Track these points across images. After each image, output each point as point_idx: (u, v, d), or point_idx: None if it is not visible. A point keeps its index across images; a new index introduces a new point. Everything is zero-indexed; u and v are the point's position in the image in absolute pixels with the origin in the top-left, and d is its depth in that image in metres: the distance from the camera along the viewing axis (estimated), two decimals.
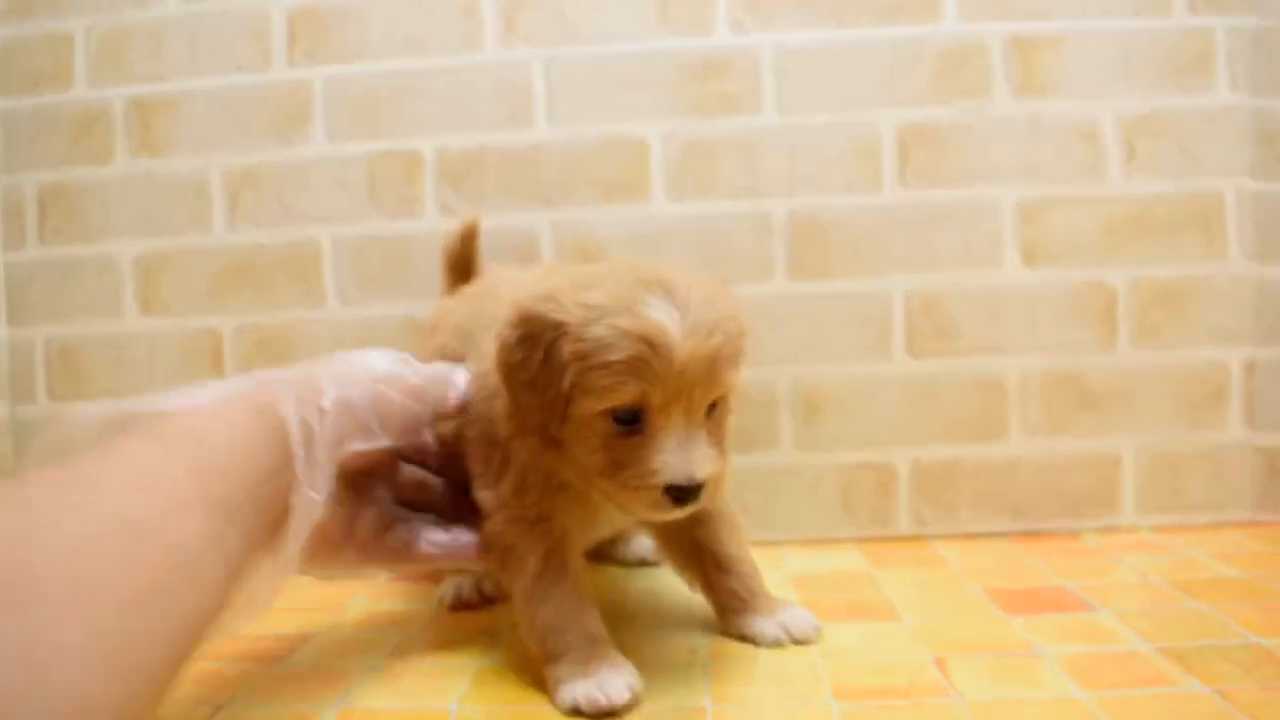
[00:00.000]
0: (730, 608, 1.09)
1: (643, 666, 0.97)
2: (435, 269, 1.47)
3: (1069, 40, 1.46)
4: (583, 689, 0.90)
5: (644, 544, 1.41)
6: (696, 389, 0.89)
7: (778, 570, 1.34)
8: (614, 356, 0.87)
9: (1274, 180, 1.46)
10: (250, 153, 1.54)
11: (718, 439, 0.95)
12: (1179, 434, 1.47)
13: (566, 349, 0.89)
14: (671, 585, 1.28)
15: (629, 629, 1.13)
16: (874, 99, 1.47)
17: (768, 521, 1.48)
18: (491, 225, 1.48)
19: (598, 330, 0.88)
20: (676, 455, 0.88)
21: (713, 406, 0.94)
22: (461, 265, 1.39)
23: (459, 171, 1.51)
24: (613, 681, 0.90)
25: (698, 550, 1.10)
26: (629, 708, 0.89)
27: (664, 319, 0.87)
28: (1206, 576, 1.23)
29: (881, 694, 0.91)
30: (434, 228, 1.51)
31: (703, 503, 0.92)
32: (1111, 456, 1.47)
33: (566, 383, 0.89)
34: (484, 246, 1.42)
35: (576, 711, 0.89)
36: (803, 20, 1.47)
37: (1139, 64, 1.47)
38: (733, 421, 1.01)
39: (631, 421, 0.90)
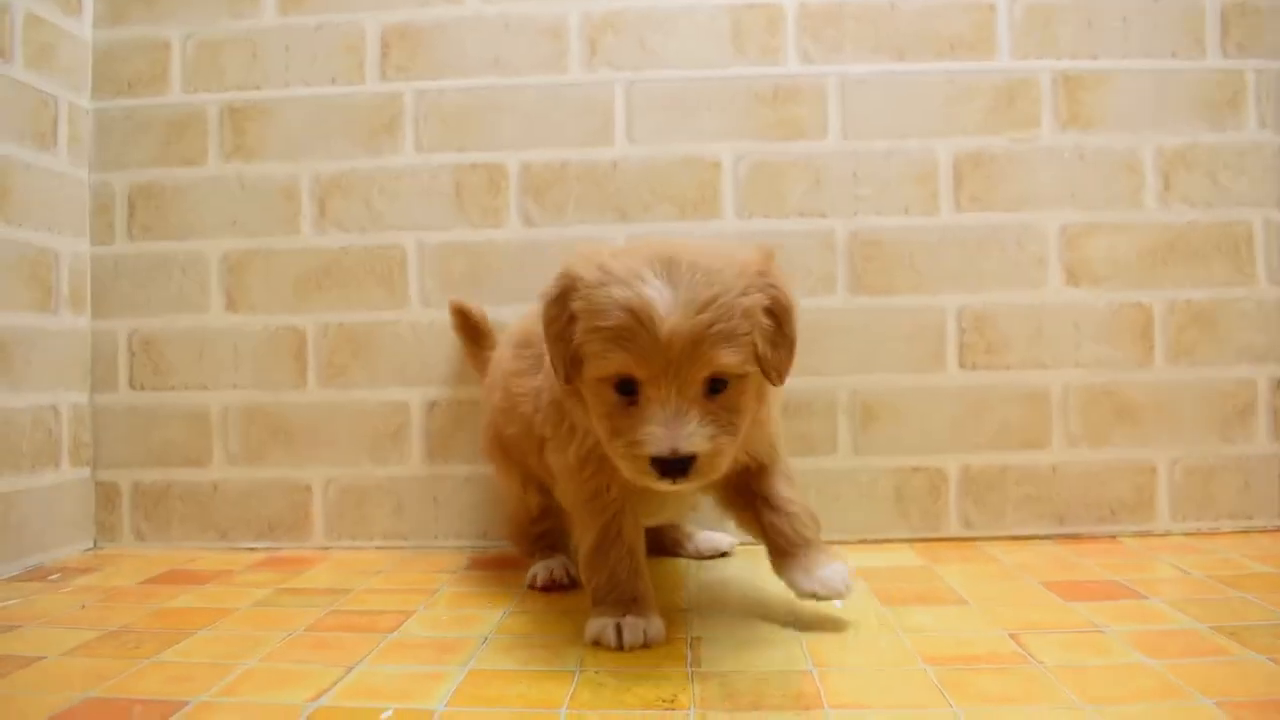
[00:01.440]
0: (778, 548, 1.14)
1: (741, 640, 1.07)
2: (515, 275, 1.56)
3: (1112, 78, 1.58)
4: (601, 626, 1.07)
5: (714, 538, 1.49)
6: (685, 364, 0.93)
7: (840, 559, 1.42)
8: (604, 323, 0.94)
9: None
10: (340, 160, 1.63)
11: (724, 419, 0.96)
12: (1210, 446, 1.57)
13: (576, 306, 0.98)
14: (748, 571, 1.37)
15: (720, 612, 1.22)
16: (932, 128, 1.58)
17: (825, 522, 1.54)
18: (572, 235, 1.57)
19: (598, 296, 0.95)
20: (662, 428, 0.93)
21: (721, 386, 0.97)
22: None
23: (541, 185, 1.60)
24: (632, 626, 1.06)
25: (752, 496, 1.16)
26: (636, 647, 1.05)
27: (652, 294, 0.92)
28: (1242, 572, 1.33)
29: (967, 660, 1.00)
30: (516, 237, 1.60)
31: (696, 479, 0.96)
32: (1147, 466, 1.57)
33: (576, 339, 0.99)
34: (562, 258, 1.53)
35: (595, 643, 1.06)
36: (867, 53, 1.58)
37: (1176, 101, 1.58)
38: (782, 424, 1.11)
39: (630, 392, 0.96)
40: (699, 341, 0.92)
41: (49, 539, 1.55)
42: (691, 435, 0.93)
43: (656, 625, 1.08)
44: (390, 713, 0.89)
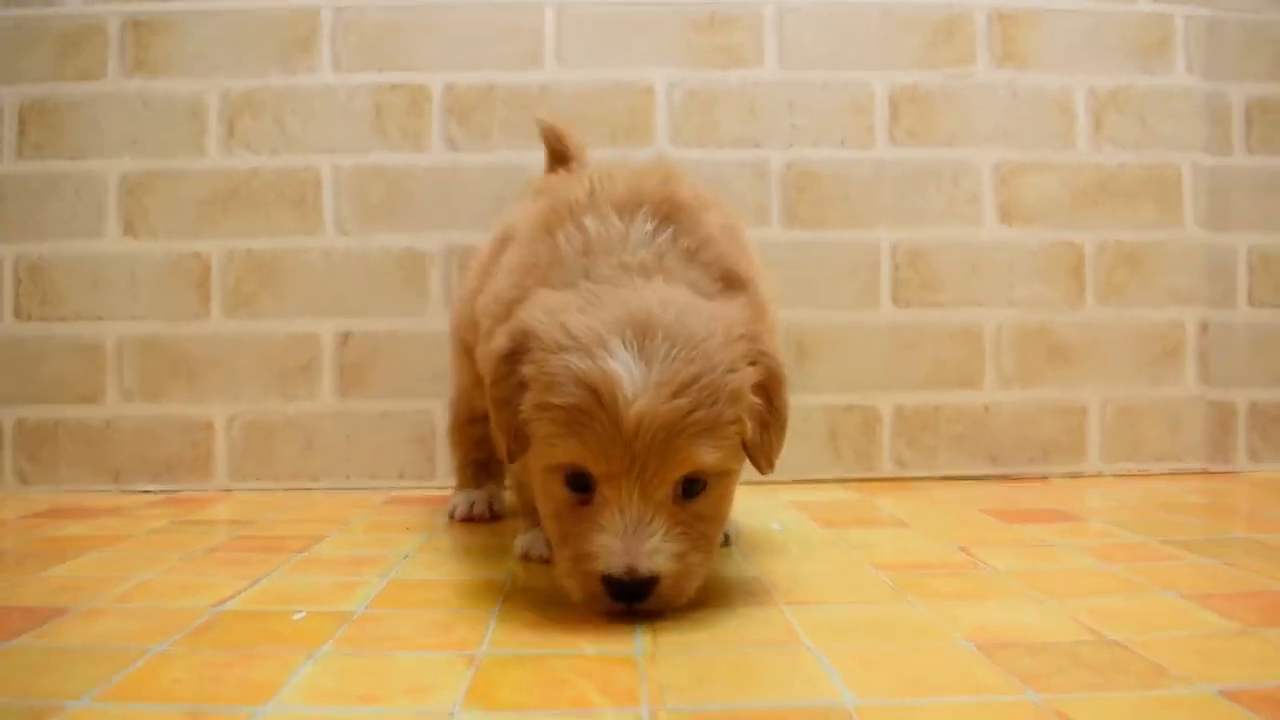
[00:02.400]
0: None
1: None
2: (437, 201, 1.48)
3: (1046, 17, 1.57)
4: (530, 536, 1.01)
5: None
6: (653, 461, 0.73)
7: (772, 498, 1.38)
8: (557, 400, 0.74)
9: (1225, 156, 1.59)
10: (251, 78, 1.53)
11: (697, 531, 0.77)
12: (1140, 388, 1.57)
13: (527, 372, 0.77)
14: None
15: None
16: (869, 61, 1.55)
17: None
18: (498, 161, 1.50)
19: (553, 364, 0.75)
20: (619, 540, 0.74)
21: (697, 488, 0.77)
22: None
23: (466, 108, 1.53)
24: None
25: None
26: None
27: (618, 369, 0.73)
28: (1177, 502, 1.32)
29: (918, 568, 0.96)
30: (439, 162, 1.52)
31: (657, 604, 0.76)
32: (1078, 407, 1.56)
33: (523, 411, 0.78)
34: (487, 185, 1.46)
35: (525, 557, 1.00)
36: None
37: (1108, 43, 1.58)
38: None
39: (584, 489, 0.77)
40: (674, 433, 0.73)
41: None
42: (655, 552, 0.74)
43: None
44: (303, 614, 0.81)
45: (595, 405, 0.72)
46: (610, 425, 0.72)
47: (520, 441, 0.80)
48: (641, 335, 0.74)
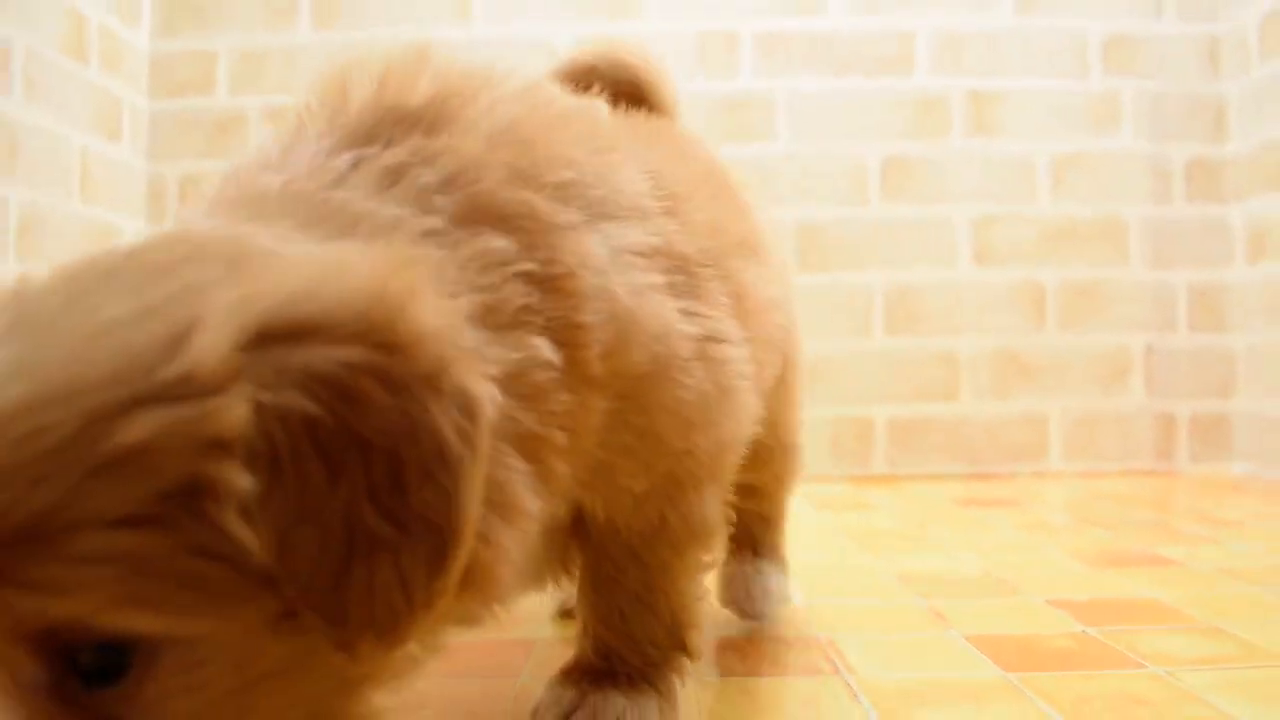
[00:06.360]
0: None
1: None
2: None
3: (1012, 95, 1.90)
4: None
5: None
6: None
7: None
8: None
9: (1165, 206, 1.90)
10: None
11: None
12: (1094, 400, 1.88)
13: None
14: None
15: None
16: (863, 134, 1.89)
17: None
18: None
19: None
20: None
21: (123, 664, 0.34)
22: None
23: None
24: None
25: None
26: None
27: None
28: (1108, 493, 1.64)
29: (878, 534, 1.29)
30: None
31: None
32: (1041, 416, 1.88)
33: None
34: None
35: None
36: (808, 70, 1.89)
37: (1065, 114, 1.90)
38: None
39: None
40: None
41: None
42: None
43: None
44: None
45: None
46: None
47: None
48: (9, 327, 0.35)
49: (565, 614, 0.84)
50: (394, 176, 0.45)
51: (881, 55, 1.90)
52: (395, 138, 0.46)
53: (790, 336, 0.77)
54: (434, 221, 0.44)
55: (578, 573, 0.59)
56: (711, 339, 0.55)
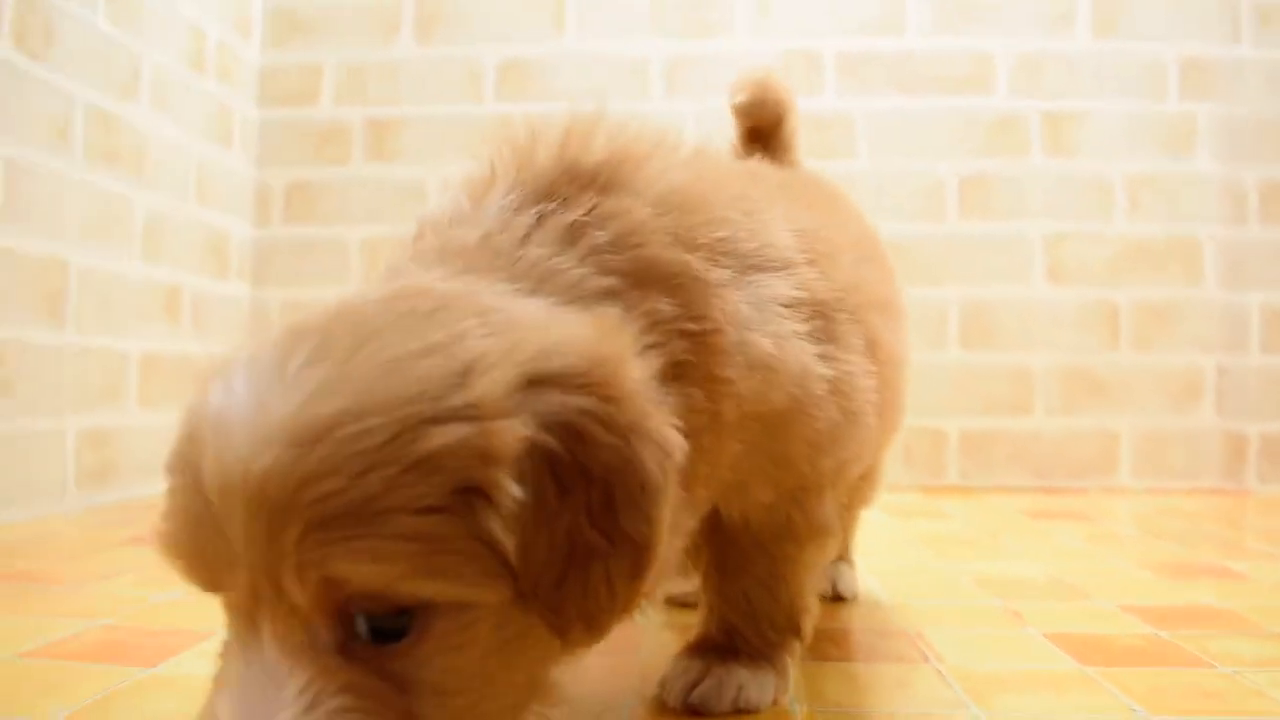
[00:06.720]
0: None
1: None
2: None
3: (1089, 115, 1.94)
4: None
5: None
6: (273, 562, 0.40)
7: None
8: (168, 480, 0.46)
9: (1239, 228, 1.93)
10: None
11: (393, 712, 0.42)
12: (1165, 418, 1.92)
13: None
14: None
15: None
16: (940, 153, 1.94)
17: None
18: None
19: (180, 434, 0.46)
20: (228, 704, 0.41)
21: (402, 626, 0.42)
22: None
23: None
24: None
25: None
26: None
27: (219, 404, 0.43)
28: (1192, 510, 1.67)
29: (951, 541, 1.35)
30: None
31: None
32: (1113, 433, 1.92)
33: None
34: None
35: None
36: (888, 90, 1.95)
37: (1141, 136, 1.94)
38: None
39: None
40: (290, 513, 0.40)
41: None
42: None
43: None
44: None
45: (180, 475, 0.44)
46: (196, 500, 0.42)
47: None
48: (285, 353, 0.43)
49: (672, 601, 0.92)
50: (573, 235, 0.53)
51: (959, 75, 1.95)
52: (571, 195, 0.54)
53: (905, 389, 0.84)
54: (611, 282, 0.52)
55: (701, 564, 0.68)
56: (844, 377, 0.62)
